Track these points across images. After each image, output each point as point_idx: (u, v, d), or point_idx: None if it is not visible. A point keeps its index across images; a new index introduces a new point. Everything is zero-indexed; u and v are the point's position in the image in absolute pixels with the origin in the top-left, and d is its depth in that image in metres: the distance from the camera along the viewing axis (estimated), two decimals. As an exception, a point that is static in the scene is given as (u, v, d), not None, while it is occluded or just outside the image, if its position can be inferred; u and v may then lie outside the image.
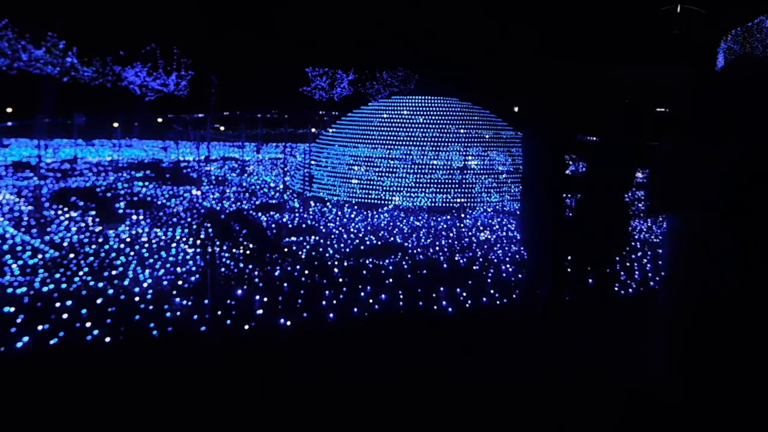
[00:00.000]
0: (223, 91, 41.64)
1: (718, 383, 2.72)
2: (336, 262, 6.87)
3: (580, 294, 5.01)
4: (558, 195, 4.63)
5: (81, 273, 6.20)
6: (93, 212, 9.51)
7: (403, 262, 6.93)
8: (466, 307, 5.61)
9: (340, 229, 8.89)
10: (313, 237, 8.22)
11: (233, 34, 43.58)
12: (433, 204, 10.96)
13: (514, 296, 5.87)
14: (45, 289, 5.56)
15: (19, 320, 4.79)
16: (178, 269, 6.43)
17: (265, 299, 5.49)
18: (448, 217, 10.16)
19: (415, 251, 7.55)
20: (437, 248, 7.77)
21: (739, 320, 2.66)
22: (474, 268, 6.79)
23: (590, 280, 4.86)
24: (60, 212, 9.46)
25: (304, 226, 8.97)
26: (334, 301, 5.54)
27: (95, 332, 4.65)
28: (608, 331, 4.83)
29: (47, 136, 22.30)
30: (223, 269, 6.41)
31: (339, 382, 4.06)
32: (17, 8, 31.24)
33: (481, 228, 9.26)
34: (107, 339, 4.57)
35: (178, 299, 5.40)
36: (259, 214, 9.90)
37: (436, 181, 11.29)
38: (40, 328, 4.67)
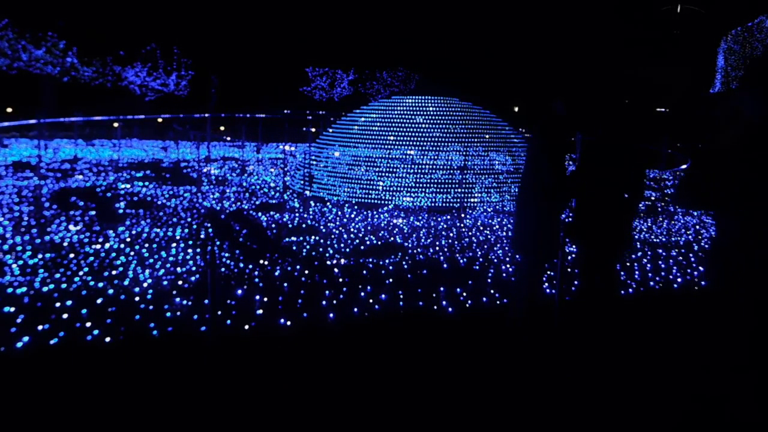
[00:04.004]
0: (223, 90, 41.65)
1: None
2: (336, 262, 6.87)
3: (581, 295, 5.01)
4: (552, 197, 4.63)
5: (81, 273, 6.20)
6: (93, 212, 9.51)
7: (403, 262, 6.93)
8: (466, 307, 5.61)
9: (340, 229, 8.89)
10: (313, 237, 8.22)
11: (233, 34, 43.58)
12: (433, 204, 10.96)
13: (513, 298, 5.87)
14: (45, 289, 5.56)
15: (19, 320, 4.79)
16: (178, 269, 6.43)
17: (265, 299, 5.49)
18: (448, 217, 10.16)
19: (415, 251, 7.55)
20: (437, 248, 7.76)
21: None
22: (474, 268, 6.79)
23: (592, 281, 4.87)
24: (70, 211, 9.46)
25: (304, 226, 8.97)
26: (334, 301, 5.54)
27: (95, 332, 4.65)
28: (610, 332, 4.83)
29: (47, 137, 22.30)
30: (223, 269, 6.41)
31: (339, 382, 4.06)
32: (17, 8, 31.26)
33: (481, 228, 9.26)
34: (107, 339, 4.57)
35: (178, 299, 5.40)
36: (260, 214, 9.90)
37: (436, 181, 11.29)
38: (40, 328, 4.67)
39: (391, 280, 6.25)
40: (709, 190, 2.87)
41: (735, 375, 2.82)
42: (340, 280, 6.18)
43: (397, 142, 11.94)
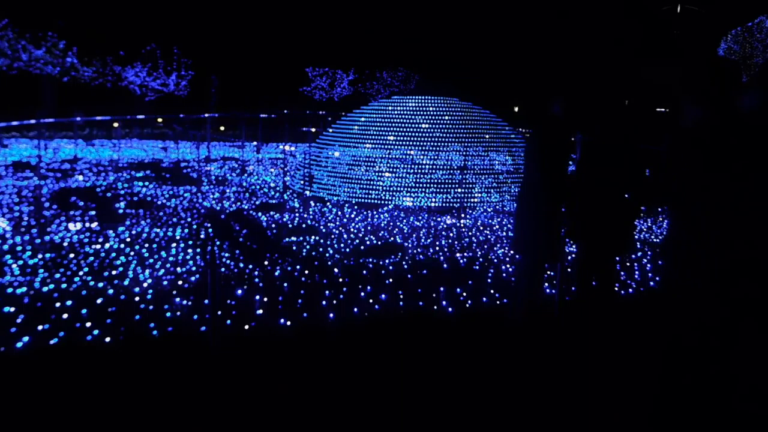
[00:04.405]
0: (223, 91, 41.67)
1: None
2: (336, 262, 6.87)
3: (580, 295, 5.02)
4: (553, 198, 4.62)
5: (81, 273, 6.20)
6: (93, 212, 9.51)
7: (403, 262, 6.93)
8: (466, 307, 5.61)
9: (340, 229, 8.89)
10: (313, 237, 8.22)
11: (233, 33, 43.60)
12: (433, 204, 10.96)
13: (514, 297, 5.87)
14: (45, 289, 5.56)
15: (19, 320, 4.79)
16: (178, 269, 6.43)
17: (265, 299, 5.49)
18: (448, 217, 10.16)
19: (415, 251, 7.55)
20: (437, 248, 7.77)
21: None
22: (474, 268, 6.79)
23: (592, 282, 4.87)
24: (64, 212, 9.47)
25: (304, 226, 8.97)
26: (334, 301, 5.54)
27: (95, 332, 4.65)
28: (609, 332, 4.83)
29: (47, 137, 22.30)
30: (223, 269, 6.41)
31: (339, 382, 4.06)
32: (17, 8, 31.25)
33: (481, 228, 9.26)
34: (107, 339, 4.57)
35: (178, 299, 5.40)
36: (260, 214, 9.90)
37: (436, 181, 11.30)
38: (40, 328, 4.67)
39: (391, 280, 6.25)
40: (662, 189, 3.25)
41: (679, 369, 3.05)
42: (340, 280, 6.19)
43: (397, 142, 11.93)
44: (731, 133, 2.91)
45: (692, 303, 2.95)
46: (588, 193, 4.72)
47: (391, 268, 6.68)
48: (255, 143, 26.21)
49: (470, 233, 8.81)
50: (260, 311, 5.23)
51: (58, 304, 5.15)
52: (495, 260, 7.18)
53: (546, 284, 6.07)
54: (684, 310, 2.99)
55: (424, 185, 11.27)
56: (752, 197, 2.77)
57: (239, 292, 5.63)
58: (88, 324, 4.79)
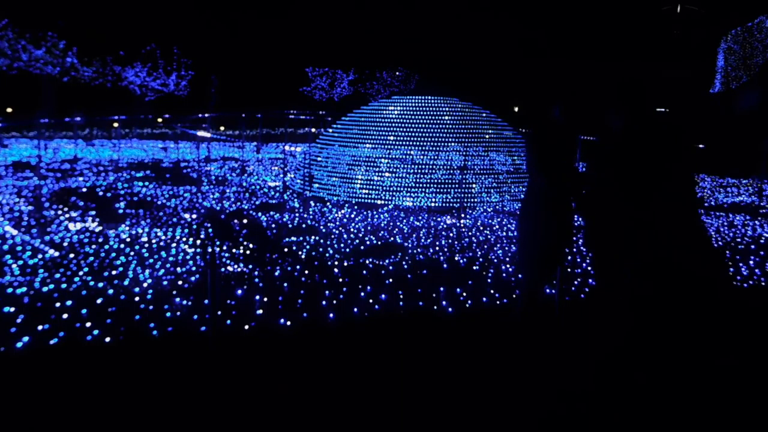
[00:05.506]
0: (223, 90, 41.64)
1: None
2: (336, 262, 6.87)
3: (588, 295, 5.01)
4: (555, 200, 4.59)
5: (81, 273, 6.20)
6: (93, 212, 9.51)
7: (403, 262, 6.93)
8: (466, 307, 5.61)
9: (340, 229, 8.89)
10: (313, 237, 8.22)
11: (233, 33, 43.60)
12: (433, 204, 10.96)
13: (514, 296, 5.87)
14: (45, 289, 5.56)
15: (19, 320, 4.79)
16: (178, 269, 6.43)
17: (265, 299, 5.49)
18: (448, 217, 10.16)
19: (415, 251, 7.55)
20: (437, 248, 7.76)
21: None
22: (474, 268, 6.79)
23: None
24: (60, 211, 9.47)
25: (304, 226, 8.97)
26: (334, 301, 5.54)
27: (95, 332, 4.65)
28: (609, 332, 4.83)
29: (47, 137, 22.31)
30: (223, 269, 6.41)
31: (339, 382, 4.06)
32: (17, 8, 31.24)
33: (481, 228, 9.26)
34: (107, 339, 4.57)
35: (178, 299, 5.40)
36: (259, 214, 9.90)
37: (436, 181, 11.30)
38: (40, 328, 4.67)
39: (391, 280, 6.25)
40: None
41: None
42: (340, 280, 6.19)
43: (397, 142, 11.94)
44: (648, 138, 3.31)
45: (623, 297, 3.26)
46: (593, 196, 4.69)
47: (391, 268, 6.68)
48: (255, 143, 26.21)
49: (470, 233, 8.81)
50: (260, 311, 5.23)
51: (58, 304, 5.15)
52: (495, 260, 7.18)
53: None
54: (617, 304, 3.32)
55: (424, 185, 11.27)
56: (668, 193, 2.99)
57: (239, 292, 5.63)
58: (88, 324, 4.79)
